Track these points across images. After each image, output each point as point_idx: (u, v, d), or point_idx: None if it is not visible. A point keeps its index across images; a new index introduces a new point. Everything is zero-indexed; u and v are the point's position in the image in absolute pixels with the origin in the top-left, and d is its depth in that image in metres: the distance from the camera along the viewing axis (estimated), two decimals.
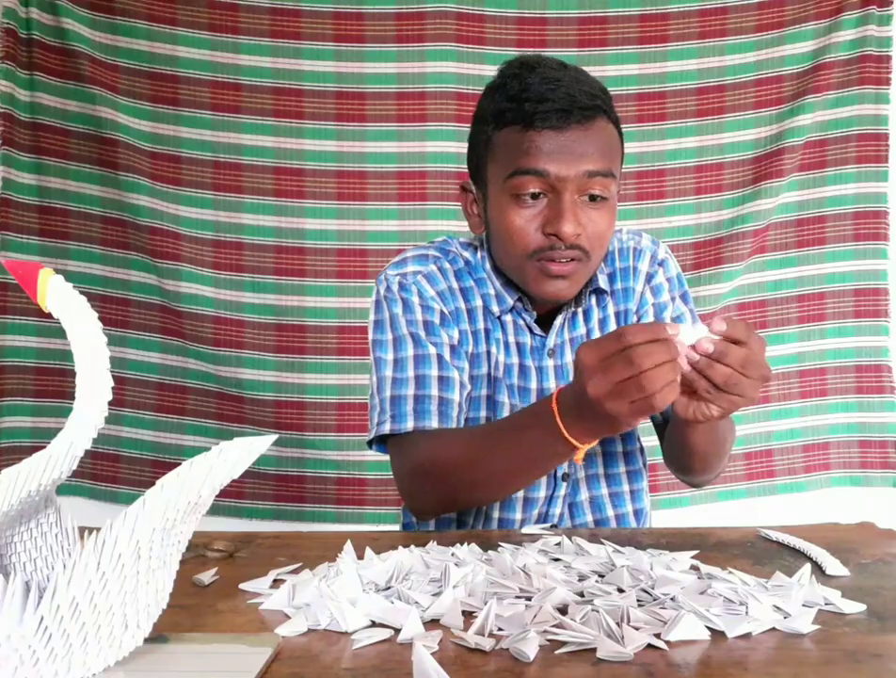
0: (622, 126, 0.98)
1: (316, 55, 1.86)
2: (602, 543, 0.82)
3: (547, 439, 0.81)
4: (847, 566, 0.76)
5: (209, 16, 1.85)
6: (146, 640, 0.54)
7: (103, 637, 0.50)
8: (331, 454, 1.88)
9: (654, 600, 0.65)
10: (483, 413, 1.04)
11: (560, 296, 0.97)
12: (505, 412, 1.03)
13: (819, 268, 1.91)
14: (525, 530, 0.92)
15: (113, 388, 0.51)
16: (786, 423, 1.92)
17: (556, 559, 0.77)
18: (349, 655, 0.57)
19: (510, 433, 0.87)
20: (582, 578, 0.71)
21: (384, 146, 1.87)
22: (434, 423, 0.96)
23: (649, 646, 0.57)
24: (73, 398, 0.51)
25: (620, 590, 0.68)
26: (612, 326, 1.06)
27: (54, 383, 1.88)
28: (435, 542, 0.82)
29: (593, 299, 1.06)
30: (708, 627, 0.60)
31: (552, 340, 1.04)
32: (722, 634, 0.59)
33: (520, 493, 1.04)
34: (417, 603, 0.64)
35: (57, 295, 0.52)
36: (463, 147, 1.84)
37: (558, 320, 1.04)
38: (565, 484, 1.05)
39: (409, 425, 0.96)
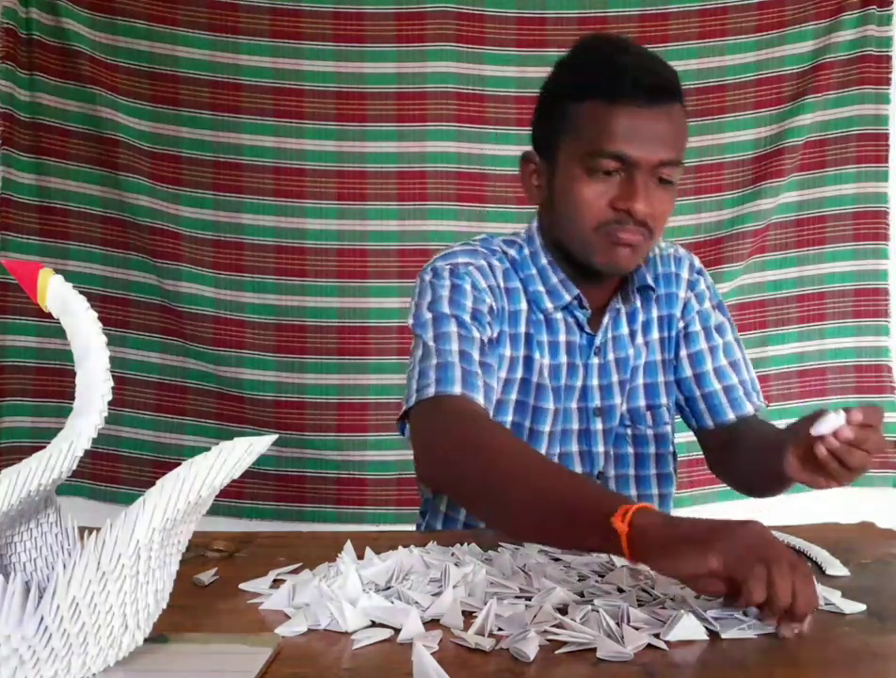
0: None
1: (316, 55, 1.85)
2: None
3: (595, 536, 0.67)
4: (847, 566, 0.76)
5: (209, 16, 1.84)
6: (146, 640, 0.54)
7: (102, 638, 0.50)
8: (331, 454, 1.88)
9: (654, 600, 0.65)
10: (510, 418, 1.00)
11: (625, 263, 0.95)
12: (548, 421, 1.00)
13: (819, 268, 1.91)
14: None
15: (113, 388, 0.51)
16: (786, 423, 1.91)
17: (556, 559, 0.77)
18: (349, 655, 0.57)
19: (563, 505, 0.71)
20: (582, 578, 0.71)
21: (384, 146, 1.87)
22: (481, 400, 0.89)
23: (649, 646, 0.57)
24: (73, 398, 0.51)
25: (620, 590, 0.68)
26: (655, 330, 1.06)
27: (54, 383, 1.87)
28: (435, 542, 0.82)
29: (639, 301, 1.06)
30: (707, 627, 0.60)
31: (599, 338, 1.03)
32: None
33: None
34: (417, 603, 0.64)
35: (57, 295, 0.52)
36: (463, 147, 1.84)
37: (606, 318, 1.03)
38: (599, 482, 1.03)
39: (458, 389, 0.88)
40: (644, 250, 0.96)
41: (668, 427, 1.07)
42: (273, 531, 1.00)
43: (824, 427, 0.76)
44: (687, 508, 1.85)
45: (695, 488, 1.84)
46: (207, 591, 0.71)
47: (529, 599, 0.66)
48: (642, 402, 1.05)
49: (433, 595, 0.65)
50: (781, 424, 2.00)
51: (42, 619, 0.48)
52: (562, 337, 1.02)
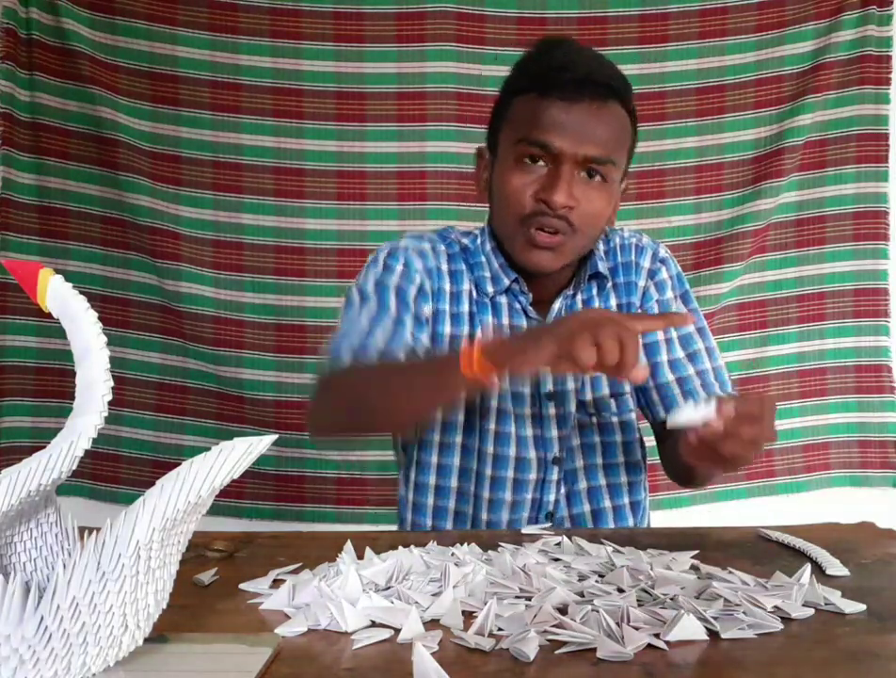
0: None
1: (316, 55, 1.85)
2: (602, 543, 0.82)
3: (449, 363, 0.82)
4: (847, 566, 0.76)
5: (209, 16, 1.84)
6: (146, 640, 0.54)
7: (102, 638, 0.50)
8: (331, 454, 1.88)
9: (654, 600, 0.65)
10: (461, 416, 1.05)
11: (542, 266, 0.99)
12: (494, 396, 1.04)
13: (819, 268, 1.91)
14: (525, 530, 0.92)
15: (113, 388, 0.51)
16: (786, 423, 1.91)
17: (556, 559, 0.77)
18: (349, 655, 0.57)
19: (423, 369, 0.91)
20: (582, 578, 0.71)
21: (384, 146, 1.87)
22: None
23: (649, 646, 0.57)
24: (73, 398, 0.51)
25: (620, 590, 0.68)
26: None
27: (54, 383, 1.87)
28: (435, 542, 0.82)
29: (594, 289, 1.07)
30: (707, 628, 0.60)
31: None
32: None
33: (510, 474, 1.04)
34: (417, 603, 0.64)
35: (57, 295, 0.52)
36: (463, 147, 1.86)
37: (556, 304, 1.06)
38: (556, 468, 1.06)
39: (347, 359, 0.95)
40: (566, 249, 0.98)
41: (633, 415, 1.09)
42: (273, 531, 1.00)
43: (679, 419, 0.76)
44: (686, 507, 1.85)
45: (695, 489, 1.84)
46: (207, 591, 0.71)
47: (529, 599, 0.66)
48: (606, 391, 1.07)
49: (433, 595, 0.65)
50: (781, 424, 2.00)
51: (42, 619, 0.48)
52: (504, 320, 1.05)
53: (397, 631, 0.60)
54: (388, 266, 1.05)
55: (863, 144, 1.87)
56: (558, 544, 0.83)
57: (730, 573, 0.72)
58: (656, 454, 1.13)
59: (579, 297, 1.07)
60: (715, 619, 0.61)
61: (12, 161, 1.83)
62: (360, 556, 0.76)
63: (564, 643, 0.58)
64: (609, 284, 1.08)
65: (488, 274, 1.06)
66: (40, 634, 0.48)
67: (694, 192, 1.88)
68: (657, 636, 0.58)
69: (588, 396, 1.06)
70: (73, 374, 0.51)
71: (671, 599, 0.65)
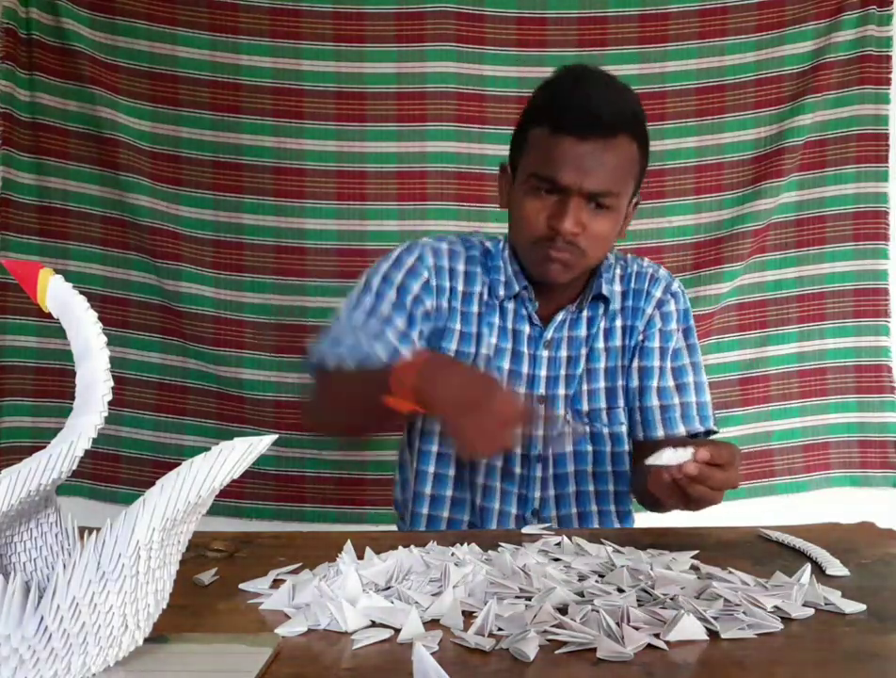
0: None
1: (316, 55, 1.85)
2: (602, 543, 0.82)
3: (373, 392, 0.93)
4: (847, 566, 0.76)
5: (209, 16, 1.84)
6: (146, 640, 0.54)
7: (102, 638, 0.50)
8: (331, 454, 1.87)
9: (654, 600, 0.65)
10: None
11: (553, 277, 1.06)
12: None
13: (819, 268, 1.91)
14: (525, 530, 0.92)
15: (113, 388, 0.51)
16: (786, 423, 1.91)
17: (556, 559, 0.77)
18: (349, 655, 0.57)
19: (365, 384, 1.00)
20: (582, 578, 0.71)
21: (384, 146, 1.87)
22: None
23: (649, 646, 0.57)
24: (73, 398, 0.51)
25: (620, 590, 0.68)
26: (618, 337, 1.15)
27: (54, 383, 1.87)
28: (435, 542, 0.82)
29: (601, 308, 1.14)
30: (707, 628, 0.60)
31: (549, 333, 1.13)
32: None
33: (500, 463, 1.11)
34: (417, 603, 0.64)
35: (57, 295, 0.52)
36: (463, 147, 1.86)
37: (559, 316, 1.13)
38: (540, 465, 1.12)
39: (330, 354, 1.05)
40: (576, 265, 1.06)
41: (623, 428, 1.15)
42: (273, 531, 1.00)
43: (660, 460, 0.81)
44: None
45: None
46: (207, 591, 0.71)
47: (529, 599, 0.66)
48: (602, 404, 1.14)
49: (433, 595, 0.65)
50: (781, 424, 2.01)
51: (42, 619, 0.48)
52: (509, 324, 1.13)
53: (397, 631, 0.60)
54: (399, 260, 1.13)
55: (863, 144, 1.87)
56: (558, 544, 0.83)
57: (730, 573, 0.72)
58: None
59: (584, 313, 1.14)
60: (715, 619, 0.61)
61: (12, 161, 1.83)
62: (360, 557, 0.76)
63: (564, 643, 0.58)
64: (617, 307, 1.15)
65: (502, 278, 1.13)
66: (40, 634, 0.48)
67: (694, 192, 1.88)
68: (657, 636, 0.58)
69: (584, 406, 1.13)
70: (73, 374, 0.51)
71: (671, 599, 0.65)
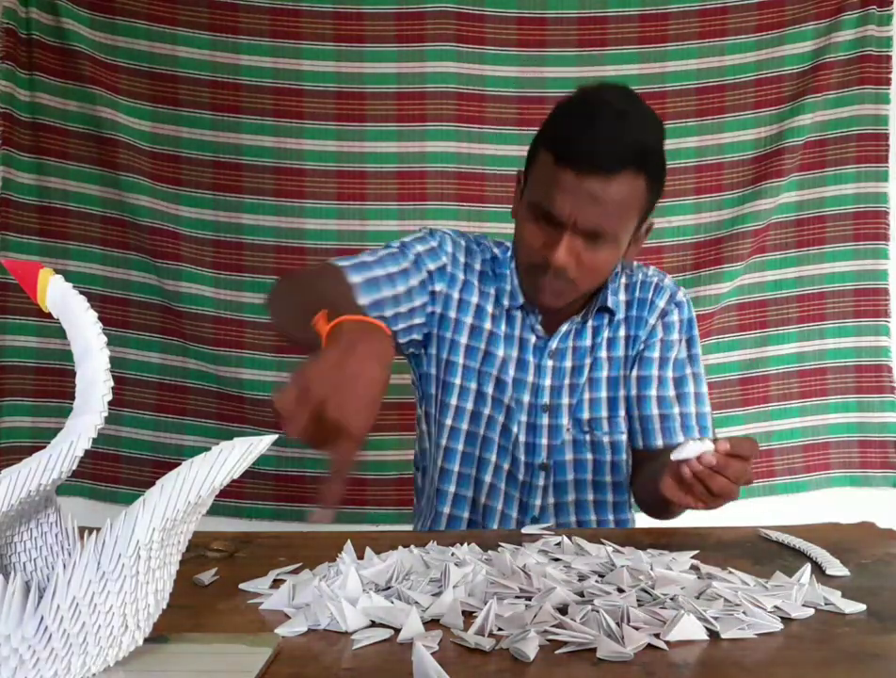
0: None
1: (316, 55, 1.85)
2: (602, 543, 0.82)
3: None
4: (847, 566, 0.76)
5: (209, 16, 1.84)
6: (146, 640, 0.54)
7: (102, 638, 0.50)
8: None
9: (654, 600, 0.65)
10: (470, 406, 1.12)
11: (544, 303, 1.07)
12: (508, 393, 1.11)
13: (819, 268, 1.91)
14: (525, 530, 0.92)
15: (113, 388, 0.51)
16: (786, 423, 1.91)
17: (556, 559, 0.77)
18: (349, 655, 0.57)
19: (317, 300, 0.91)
20: (582, 578, 0.71)
21: (384, 146, 1.86)
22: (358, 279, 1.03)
23: (649, 646, 0.57)
24: (73, 398, 0.51)
25: (620, 590, 0.68)
26: (621, 347, 1.15)
27: (54, 383, 1.87)
28: (435, 542, 0.82)
29: (605, 319, 1.14)
30: (707, 628, 0.60)
31: (554, 343, 1.13)
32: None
33: (507, 465, 1.12)
34: (417, 603, 0.64)
35: (57, 295, 0.52)
36: (463, 147, 1.86)
37: (564, 327, 1.13)
38: (542, 474, 1.12)
39: (330, 263, 1.05)
40: (568, 294, 1.06)
41: (623, 437, 1.15)
42: (273, 531, 1.01)
43: (683, 453, 0.82)
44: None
45: None
46: (207, 591, 0.71)
47: (529, 599, 0.66)
48: (604, 413, 1.14)
49: (433, 595, 0.65)
50: (781, 424, 2.00)
51: (42, 619, 0.48)
52: (517, 332, 1.13)
53: (397, 631, 0.60)
54: (422, 238, 1.13)
55: (863, 144, 1.87)
56: (558, 544, 0.83)
57: (730, 573, 0.72)
58: None
59: (589, 323, 1.14)
60: (715, 619, 0.61)
61: (12, 161, 1.83)
62: (360, 557, 0.76)
63: (564, 643, 0.58)
64: (621, 317, 1.15)
65: (508, 287, 1.13)
66: (40, 634, 0.48)
67: (694, 192, 1.88)
68: (657, 636, 0.58)
69: (585, 415, 1.13)
70: (73, 374, 0.51)
71: (671, 599, 0.65)
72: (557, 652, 0.57)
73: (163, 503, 0.49)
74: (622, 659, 0.55)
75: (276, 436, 0.53)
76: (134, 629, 0.52)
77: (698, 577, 0.71)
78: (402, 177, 1.87)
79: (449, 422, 1.13)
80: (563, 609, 0.63)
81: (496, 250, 1.16)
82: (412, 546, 0.78)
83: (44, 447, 0.50)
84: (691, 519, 0.97)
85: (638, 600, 0.65)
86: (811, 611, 0.64)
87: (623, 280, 1.16)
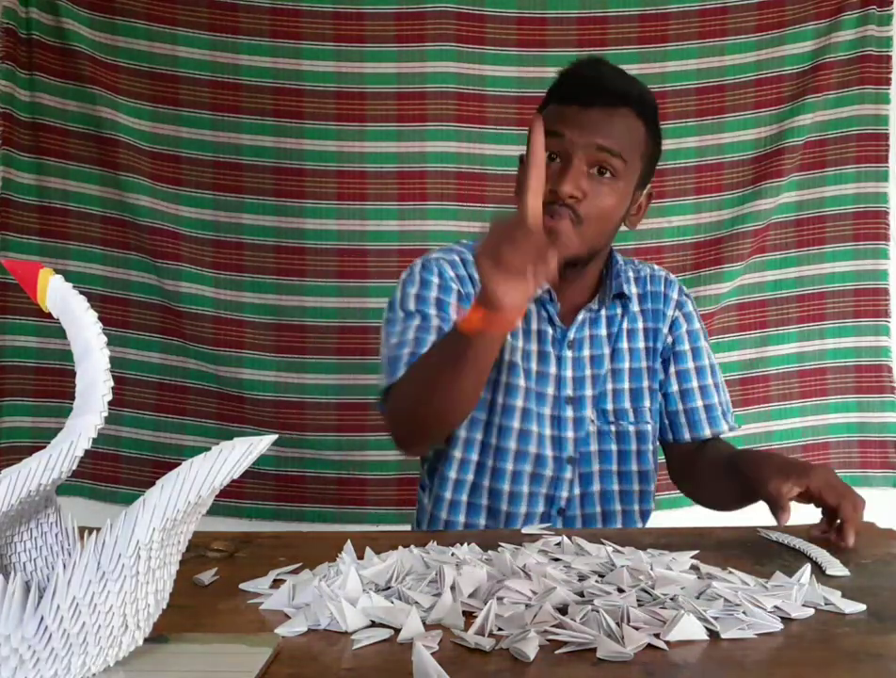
0: None
1: (316, 55, 1.85)
2: (602, 543, 0.82)
3: (451, 337, 0.91)
4: (847, 566, 0.76)
5: (209, 16, 1.84)
6: (146, 640, 0.54)
7: (102, 638, 0.50)
8: (331, 454, 1.87)
9: (654, 600, 0.65)
10: (489, 395, 1.10)
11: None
12: (520, 396, 1.10)
13: (819, 268, 1.91)
14: (525, 530, 0.92)
15: (113, 388, 0.51)
16: (786, 423, 1.91)
17: (556, 559, 0.77)
18: (349, 655, 0.57)
19: (435, 348, 0.98)
20: (582, 578, 0.71)
21: (384, 146, 1.86)
22: None
23: (649, 646, 0.57)
24: (73, 398, 0.51)
25: (620, 590, 0.68)
26: (640, 339, 1.16)
27: (54, 383, 1.87)
28: (435, 542, 0.82)
29: (619, 308, 1.15)
30: (707, 628, 0.60)
31: (572, 333, 1.13)
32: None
33: (529, 469, 1.10)
34: (417, 603, 0.64)
35: (57, 295, 0.52)
36: (463, 147, 1.86)
37: (580, 316, 1.13)
38: (570, 467, 1.12)
39: (401, 373, 1.01)
40: (572, 239, 1.02)
41: (649, 426, 1.16)
42: (273, 531, 1.01)
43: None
44: (687, 507, 1.85)
45: None
46: (207, 591, 0.71)
47: (529, 599, 0.65)
48: (627, 404, 1.14)
49: (433, 595, 0.65)
50: (781, 424, 2.00)
51: (42, 619, 0.48)
52: (534, 326, 1.12)
53: (397, 631, 0.60)
54: (424, 280, 1.10)
55: (863, 144, 1.87)
56: (558, 544, 0.83)
57: (730, 573, 0.72)
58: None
59: (603, 312, 1.14)
60: (715, 619, 0.61)
61: (12, 161, 1.83)
62: (360, 557, 0.76)
63: (564, 643, 0.58)
64: (636, 309, 1.16)
65: None
66: (40, 634, 0.48)
67: (694, 192, 1.88)
68: (657, 636, 0.58)
69: (609, 406, 1.13)
70: (73, 374, 0.51)
71: (671, 599, 0.65)
72: (557, 652, 0.57)
73: (163, 503, 0.49)
74: (622, 659, 0.55)
75: (276, 436, 0.53)
76: (134, 629, 0.52)
77: (698, 577, 0.71)
78: (402, 177, 1.87)
79: (463, 433, 1.11)
80: (563, 609, 0.63)
81: None
82: (412, 546, 0.78)
83: (44, 447, 0.50)
84: (691, 519, 0.97)
85: (638, 600, 0.65)
86: (811, 611, 0.64)
87: (630, 273, 1.17)
